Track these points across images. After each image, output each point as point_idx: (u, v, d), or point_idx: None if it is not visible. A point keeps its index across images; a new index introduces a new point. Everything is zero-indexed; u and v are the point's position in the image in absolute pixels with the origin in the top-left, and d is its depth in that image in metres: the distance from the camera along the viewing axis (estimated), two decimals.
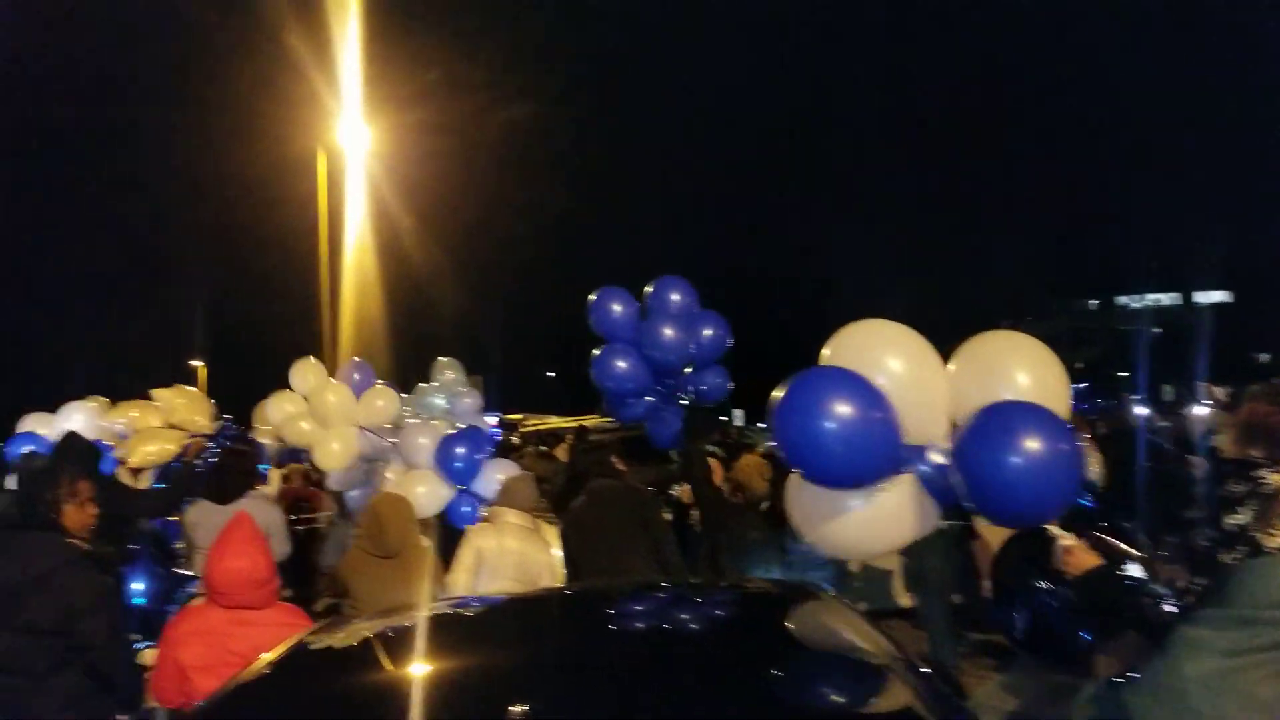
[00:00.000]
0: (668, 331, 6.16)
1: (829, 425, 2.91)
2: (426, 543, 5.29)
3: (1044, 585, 3.31)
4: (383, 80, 18.92)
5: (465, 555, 5.13)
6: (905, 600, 6.74)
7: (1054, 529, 3.18)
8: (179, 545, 6.67)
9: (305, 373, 8.11)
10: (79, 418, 7.40)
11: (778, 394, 3.03)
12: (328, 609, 6.94)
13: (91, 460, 5.71)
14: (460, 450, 6.73)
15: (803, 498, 3.24)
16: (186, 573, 6.35)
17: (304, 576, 7.68)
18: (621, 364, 6.22)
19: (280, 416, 7.77)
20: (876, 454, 3.00)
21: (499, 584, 5.09)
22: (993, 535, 6.74)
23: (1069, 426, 2.95)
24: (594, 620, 2.74)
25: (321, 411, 7.46)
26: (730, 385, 6.57)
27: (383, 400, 7.67)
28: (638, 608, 2.91)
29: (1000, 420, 2.90)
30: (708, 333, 6.40)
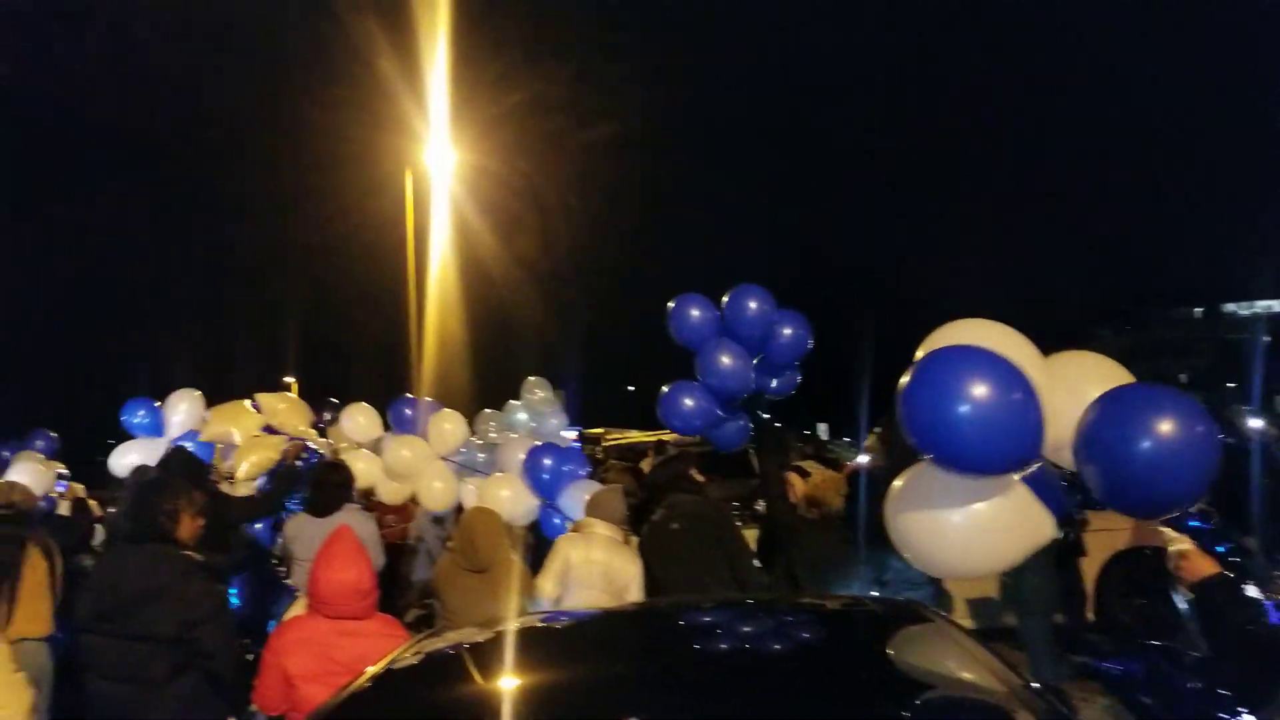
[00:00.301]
0: (726, 360, 6.05)
1: (970, 404, 2.75)
2: (516, 557, 5.35)
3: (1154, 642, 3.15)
4: (468, 102, 19.24)
5: (553, 563, 5.15)
6: (1004, 620, 6.56)
7: (1168, 533, 3.06)
8: (276, 555, 6.84)
9: (356, 416, 8.32)
10: (184, 407, 7.71)
11: (908, 377, 2.92)
12: (417, 620, 7.04)
13: (198, 472, 5.92)
14: (547, 463, 6.81)
15: (904, 512, 3.10)
16: (284, 582, 6.50)
17: (393, 588, 7.80)
18: (689, 402, 6.16)
19: (369, 479, 7.91)
20: (1018, 436, 2.85)
21: (587, 594, 5.10)
22: (1097, 553, 6.53)
23: (1201, 407, 2.80)
24: (703, 636, 2.71)
25: (400, 468, 7.57)
26: (798, 379, 6.47)
27: (449, 424, 7.77)
28: (742, 624, 2.86)
29: (1135, 401, 2.79)
30: (787, 332, 6.30)
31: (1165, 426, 2.67)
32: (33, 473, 7.52)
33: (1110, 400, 2.81)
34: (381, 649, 3.21)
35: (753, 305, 6.18)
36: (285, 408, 7.44)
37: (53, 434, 9.36)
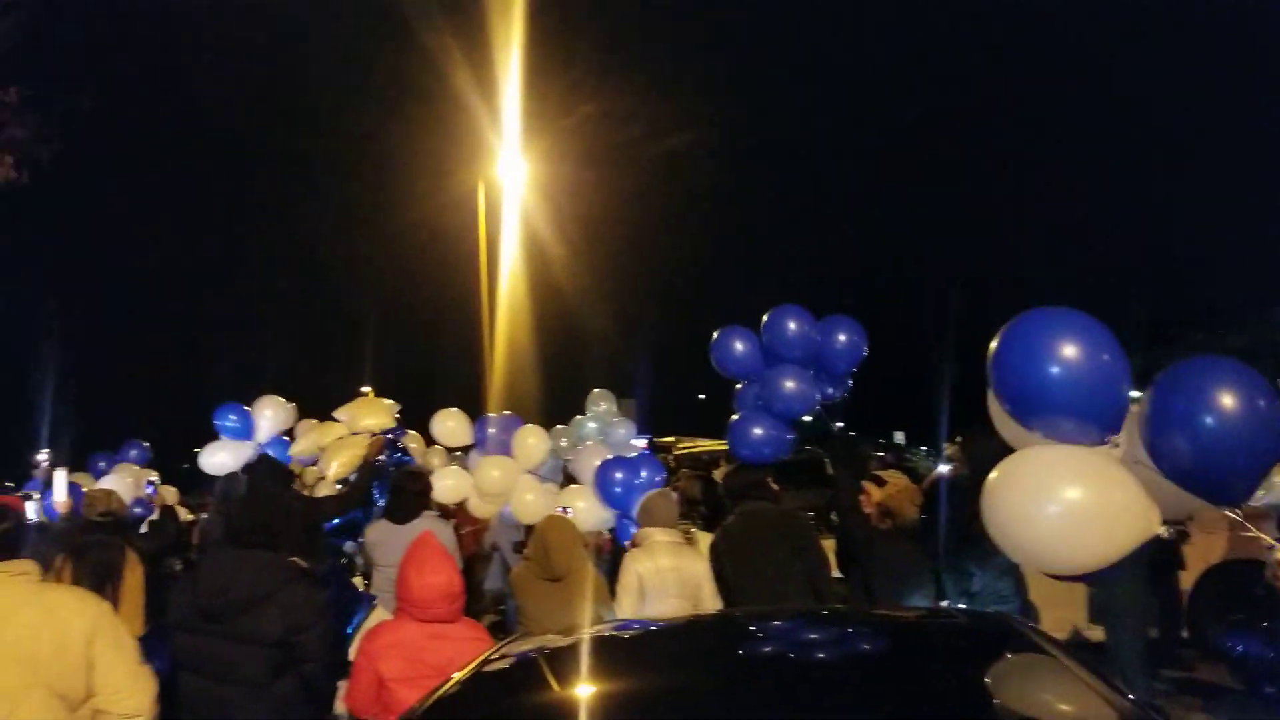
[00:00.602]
0: (790, 384, 6.10)
1: (1059, 362, 2.84)
2: (591, 566, 5.37)
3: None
4: (540, 114, 19.46)
5: (627, 580, 5.17)
6: (1093, 634, 6.37)
7: (1266, 539, 2.96)
8: (346, 556, 6.97)
9: (446, 421, 8.45)
10: (270, 413, 7.92)
11: (997, 342, 2.96)
12: (492, 626, 7.12)
13: (283, 477, 6.08)
14: (618, 476, 6.85)
15: (1003, 500, 3.03)
16: (360, 588, 6.61)
17: (468, 595, 7.89)
18: (758, 431, 6.18)
19: (456, 496, 8.03)
20: (1105, 399, 2.87)
21: (663, 603, 5.11)
22: (1193, 566, 6.31)
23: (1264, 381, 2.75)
24: (789, 647, 2.68)
25: (491, 487, 7.68)
26: (845, 394, 6.45)
27: (533, 439, 7.87)
28: (827, 635, 2.82)
29: (1199, 374, 2.78)
30: (841, 339, 6.30)
31: (1228, 396, 2.63)
32: (124, 482, 7.83)
33: (1175, 370, 2.79)
34: (469, 652, 3.26)
35: (792, 326, 6.22)
36: (366, 411, 7.53)
37: (144, 444, 9.70)
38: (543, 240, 20.54)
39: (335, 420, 7.54)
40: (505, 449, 7.91)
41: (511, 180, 18.14)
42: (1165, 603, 6.16)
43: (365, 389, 8.00)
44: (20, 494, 8.59)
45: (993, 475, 3.08)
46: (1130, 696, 2.15)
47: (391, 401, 7.61)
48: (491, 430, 8.20)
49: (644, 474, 7.01)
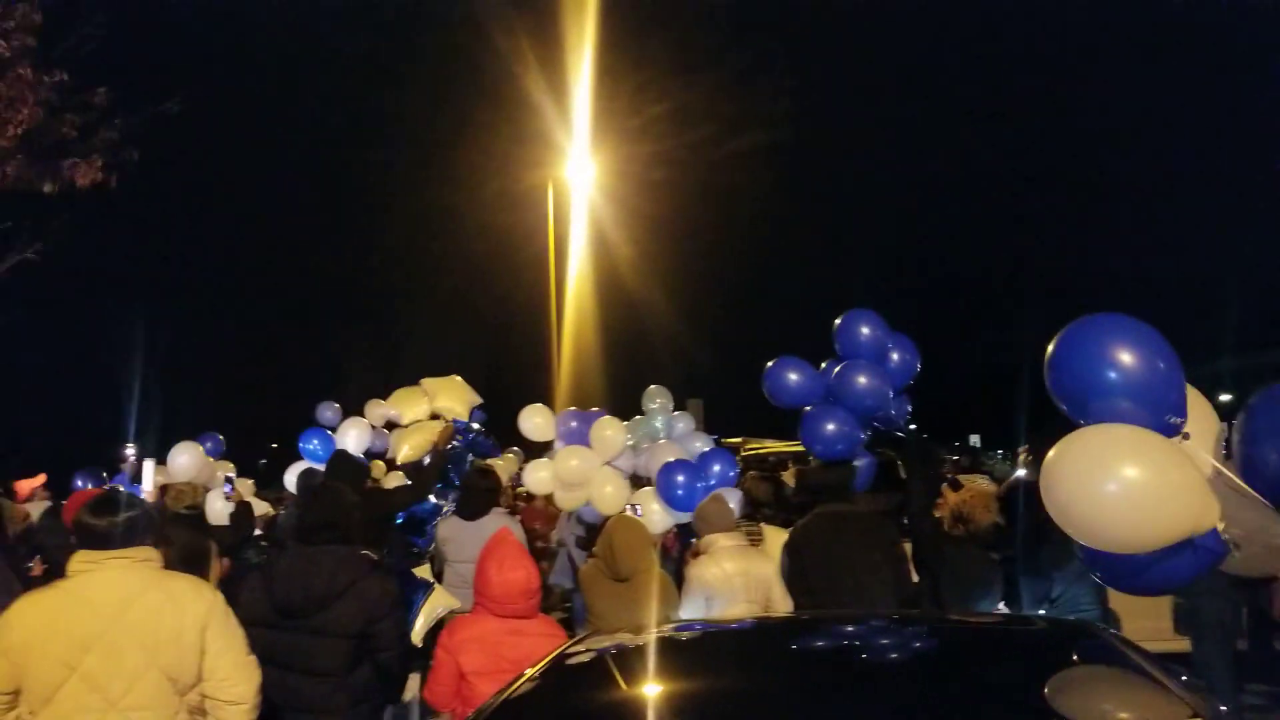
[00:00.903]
0: (863, 379, 6.06)
1: (1116, 366, 2.96)
2: (658, 567, 5.36)
3: None
4: (610, 114, 19.52)
5: (693, 590, 5.16)
6: (1177, 645, 6.14)
7: None
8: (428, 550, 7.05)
9: (533, 417, 8.53)
10: (354, 433, 8.12)
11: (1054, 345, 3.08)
12: (559, 623, 7.15)
13: (360, 476, 6.17)
14: (680, 479, 6.83)
15: (1061, 475, 3.00)
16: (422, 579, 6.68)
17: None
18: (830, 426, 6.10)
19: (542, 487, 8.16)
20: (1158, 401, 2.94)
21: (735, 609, 5.07)
22: None
23: None
24: (868, 650, 2.64)
25: (570, 476, 7.73)
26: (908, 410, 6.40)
27: (610, 430, 7.89)
28: (905, 639, 2.76)
29: None
30: (895, 358, 6.30)
31: None
32: (194, 469, 8.05)
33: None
34: (546, 648, 3.28)
35: (865, 330, 6.21)
36: (447, 390, 7.63)
37: (220, 435, 9.93)
38: (611, 240, 20.61)
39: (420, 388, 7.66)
40: (584, 442, 7.98)
41: (580, 181, 18.23)
42: (1255, 614, 5.91)
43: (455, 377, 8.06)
44: (108, 487, 8.84)
45: (1052, 452, 3.06)
46: (1223, 708, 2.07)
47: (474, 394, 7.69)
48: (573, 423, 8.26)
49: (711, 474, 6.98)
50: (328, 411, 9.45)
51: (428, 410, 7.59)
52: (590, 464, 7.63)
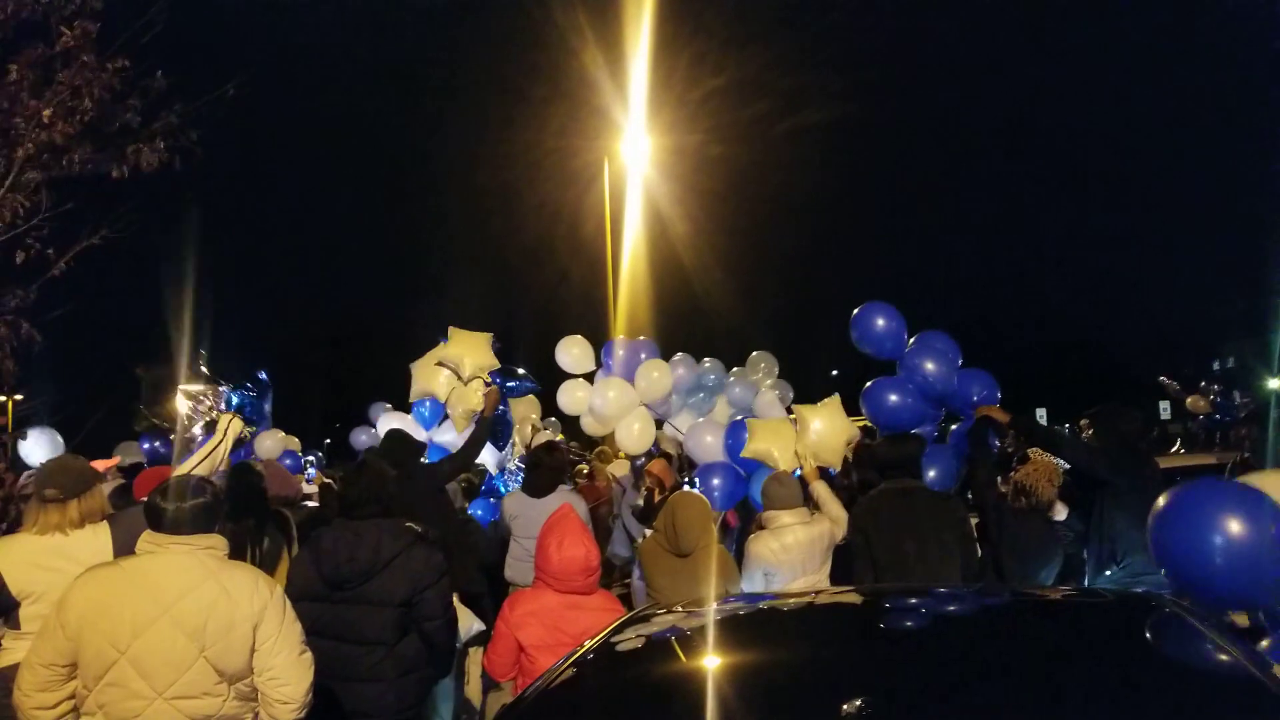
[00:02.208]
0: (931, 365, 6.09)
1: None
2: (718, 544, 5.35)
3: None
4: (667, 88, 19.39)
5: (751, 565, 5.15)
6: (1239, 618, 5.96)
7: None
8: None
9: (571, 349, 8.54)
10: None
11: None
12: (619, 598, 7.18)
13: (415, 452, 6.25)
14: (716, 481, 6.81)
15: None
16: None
17: None
18: (894, 398, 6.12)
19: (577, 407, 8.20)
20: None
21: (794, 578, 5.06)
22: None
23: None
24: (935, 624, 2.59)
25: (604, 409, 7.72)
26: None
27: (657, 372, 7.85)
28: (985, 613, 2.71)
29: None
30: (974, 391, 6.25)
31: None
32: (277, 452, 8.26)
33: None
34: (605, 623, 3.29)
35: (930, 367, 6.15)
36: (466, 347, 7.31)
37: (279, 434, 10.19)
38: (667, 216, 20.51)
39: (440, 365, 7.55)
40: (630, 375, 7.98)
41: (637, 156, 18.14)
42: None
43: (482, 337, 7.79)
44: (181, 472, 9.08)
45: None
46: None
47: (487, 334, 7.41)
48: (620, 353, 8.25)
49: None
50: (363, 436, 9.68)
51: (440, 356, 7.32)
52: (628, 400, 7.61)
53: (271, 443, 9.56)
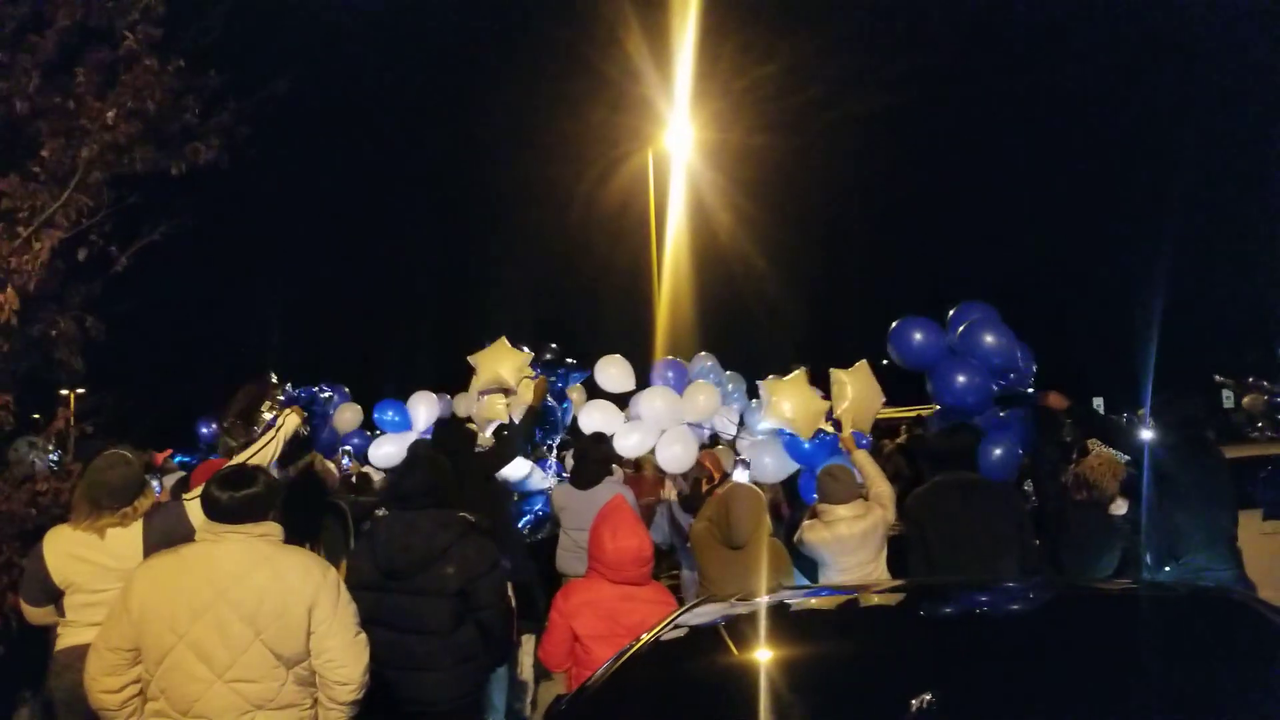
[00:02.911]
0: (989, 337, 6.07)
1: None
2: (772, 536, 5.36)
3: None
4: (712, 77, 19.27)
5: (804, 553, 5.14)
6: None
7: None
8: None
9: (608, 368, 8.57)
10: (424, 407, 8.36)
11: None
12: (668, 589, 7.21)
13: (469, 440, 6.33)
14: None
15: None
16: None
17: None
18: (961, 378, 6.04)
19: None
20: None
21: (848, 574, 5.05)
22: None
23: None
24: (1007, 616, 2.57)
25: (648, 414, 7.77)
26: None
27: (703, 395, 7.86)
28: (1037, 605, 2.69)
29: None
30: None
31: None
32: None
33: None
34: (658, 614, 3.32)
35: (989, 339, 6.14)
36: (492, 357, 7.64)
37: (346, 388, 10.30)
38: (712, 207, 20.45)
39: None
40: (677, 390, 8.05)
41: (681, 146, 18.09)
42: None
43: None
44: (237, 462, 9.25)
45: None
46: None
47: (526, 352, 7.67)
48: (670, 374, 8.33)
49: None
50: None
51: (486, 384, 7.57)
52: (672, 413, 7.63)
53: (351, 414, 9.69)
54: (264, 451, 4.55)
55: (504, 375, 7.47)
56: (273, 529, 3.32)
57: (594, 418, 8.11)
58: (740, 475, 6.41)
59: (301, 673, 3.21)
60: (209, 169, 5.27)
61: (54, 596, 4.02)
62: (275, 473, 4.84)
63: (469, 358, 7.83)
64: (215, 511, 3.24)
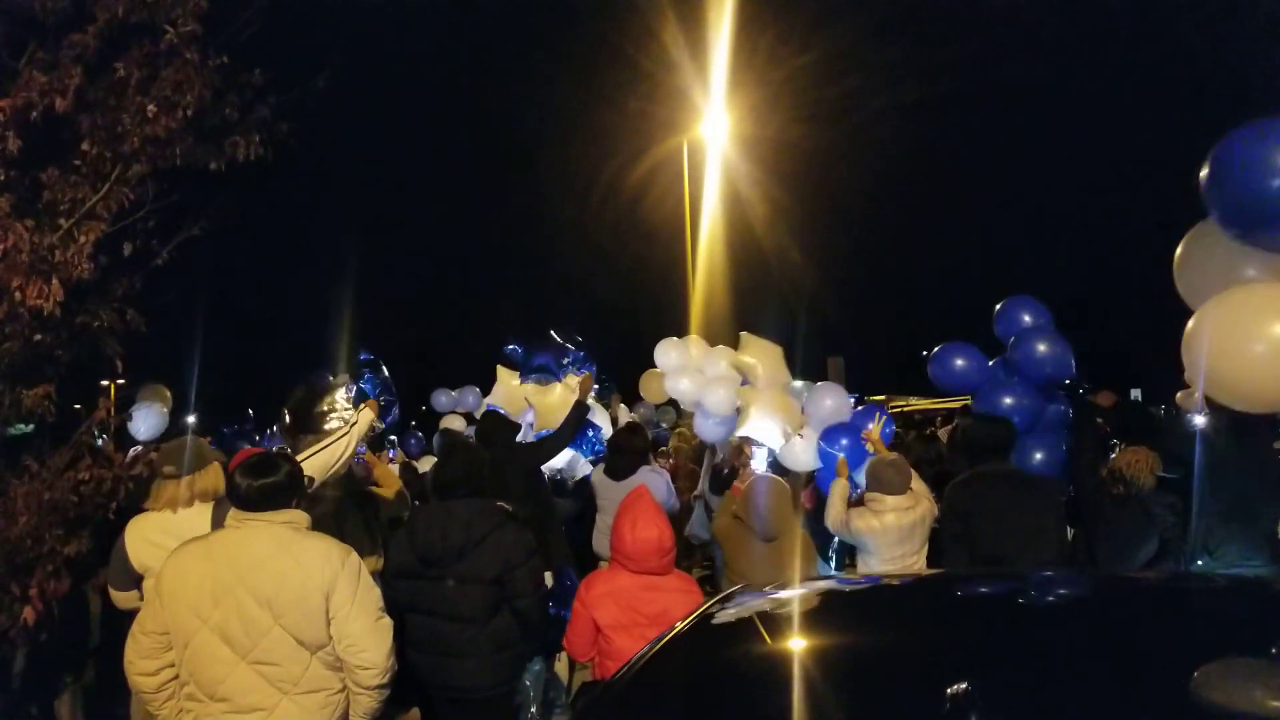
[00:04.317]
0: (1043, 347, 6.27)
1: None
2: (802, 529, 5.36)
3: None
4: (749, 68, 19.16)
5: (849, 539, 5.13)
6: None
7: None
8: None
9: (668, 350, 8.57)
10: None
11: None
12: (701, 579, 7.21)
13: (511, 432, 6.37)
14: (844, 443, 6.77)
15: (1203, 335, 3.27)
16: None
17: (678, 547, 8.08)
18: (1009, 400, 6.24)
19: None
20: None
21: (890, 564, 5.03)
22: None
23: None
24: (1052, 606, 2.53)
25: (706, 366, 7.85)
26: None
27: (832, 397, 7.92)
28: (1079, 594, 2.64)
29: None
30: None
31: None
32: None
33: None
34: (682, 603, 3.32)
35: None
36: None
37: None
38: (748, 198, 20.35)
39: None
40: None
41: (717, 137, 18.02)
42: None
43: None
44: (265, 449, 9.40)
45: (1194, 319, 3.35)
46: None
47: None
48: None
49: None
50: (442, 398, 9.84)
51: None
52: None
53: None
54: (334, 447, 4.58)
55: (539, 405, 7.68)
56: (296, 516, 3.38)
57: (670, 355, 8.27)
58: (759, 464, 6.43)
59: (326, 657, 3.26)
60: (250, 164, 5.32)
61: (136, 581, 4.22)
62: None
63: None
64: (239, 499, 3.32)
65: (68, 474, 4.43)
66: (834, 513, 5.39)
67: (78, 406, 4.95)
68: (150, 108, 4.76)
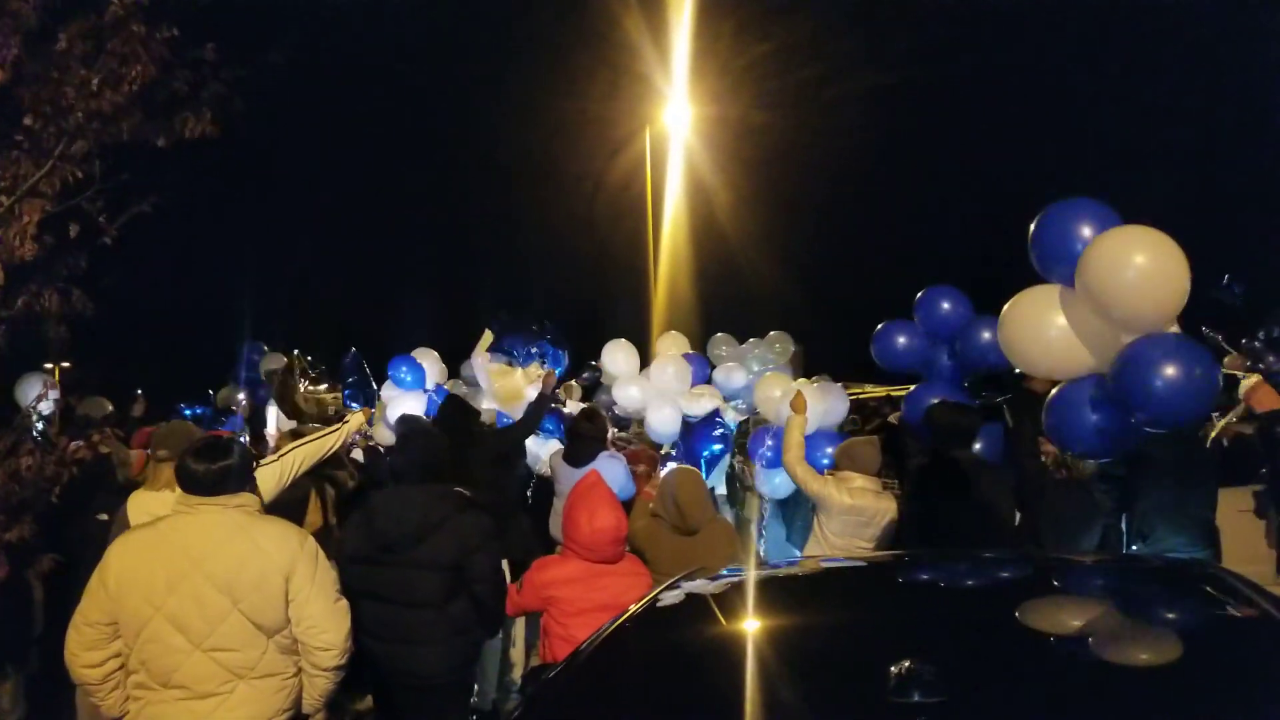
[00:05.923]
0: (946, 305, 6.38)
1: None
2: (722, 516, 5.37)
3: None
4: (712, 55, 19.12)
5: (829, 493, 5.15)
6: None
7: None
8: None
9: (615, 354, 8.59)
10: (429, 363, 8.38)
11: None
12: None
13: (468, 415, 6.34)
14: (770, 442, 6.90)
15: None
16: None
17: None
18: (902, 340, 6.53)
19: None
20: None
21: (842, 541, 5.05)
22: None
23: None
24: (990, 586, 2.58)
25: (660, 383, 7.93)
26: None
27: (707, 397, 8.17)
28: (1021, 575, 2.69)
29: None
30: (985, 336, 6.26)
31: None
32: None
33: None
34: (633, 587, 3.33)
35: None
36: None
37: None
38: (710, 187, 20.37)
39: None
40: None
41: (679, 124, 17.99)
42: None
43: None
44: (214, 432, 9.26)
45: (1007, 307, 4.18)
46: None
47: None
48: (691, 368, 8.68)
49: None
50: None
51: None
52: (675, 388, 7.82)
53: None
54: (326, 440, 4.51)
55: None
56: (249, 500, 3.32)
57: (617, 359, 8.49)
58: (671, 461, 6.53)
59: (283, 641, 3.23)
60: (202, 141, 5.20)
61: None
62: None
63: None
64: (192, 483, 3.24)
65: (8, 460, 4.32)
66: (793, 452, 5.27)
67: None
68: (94, 81, 4.63)
